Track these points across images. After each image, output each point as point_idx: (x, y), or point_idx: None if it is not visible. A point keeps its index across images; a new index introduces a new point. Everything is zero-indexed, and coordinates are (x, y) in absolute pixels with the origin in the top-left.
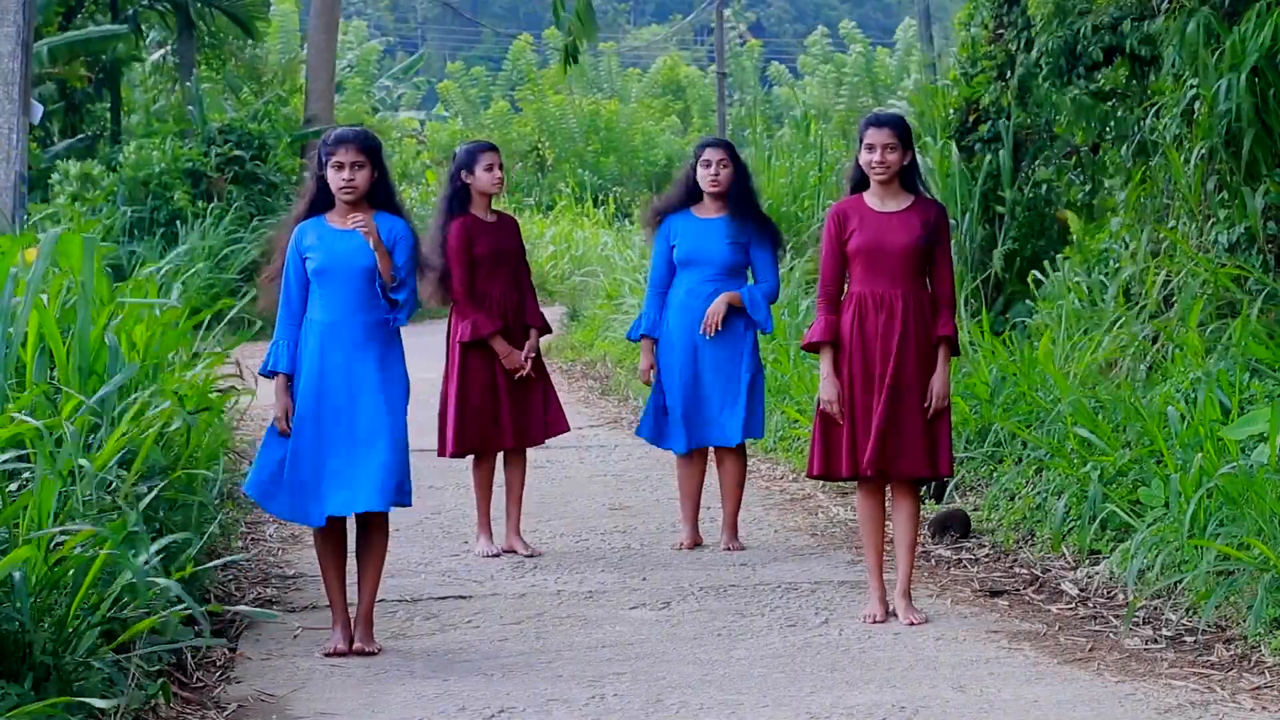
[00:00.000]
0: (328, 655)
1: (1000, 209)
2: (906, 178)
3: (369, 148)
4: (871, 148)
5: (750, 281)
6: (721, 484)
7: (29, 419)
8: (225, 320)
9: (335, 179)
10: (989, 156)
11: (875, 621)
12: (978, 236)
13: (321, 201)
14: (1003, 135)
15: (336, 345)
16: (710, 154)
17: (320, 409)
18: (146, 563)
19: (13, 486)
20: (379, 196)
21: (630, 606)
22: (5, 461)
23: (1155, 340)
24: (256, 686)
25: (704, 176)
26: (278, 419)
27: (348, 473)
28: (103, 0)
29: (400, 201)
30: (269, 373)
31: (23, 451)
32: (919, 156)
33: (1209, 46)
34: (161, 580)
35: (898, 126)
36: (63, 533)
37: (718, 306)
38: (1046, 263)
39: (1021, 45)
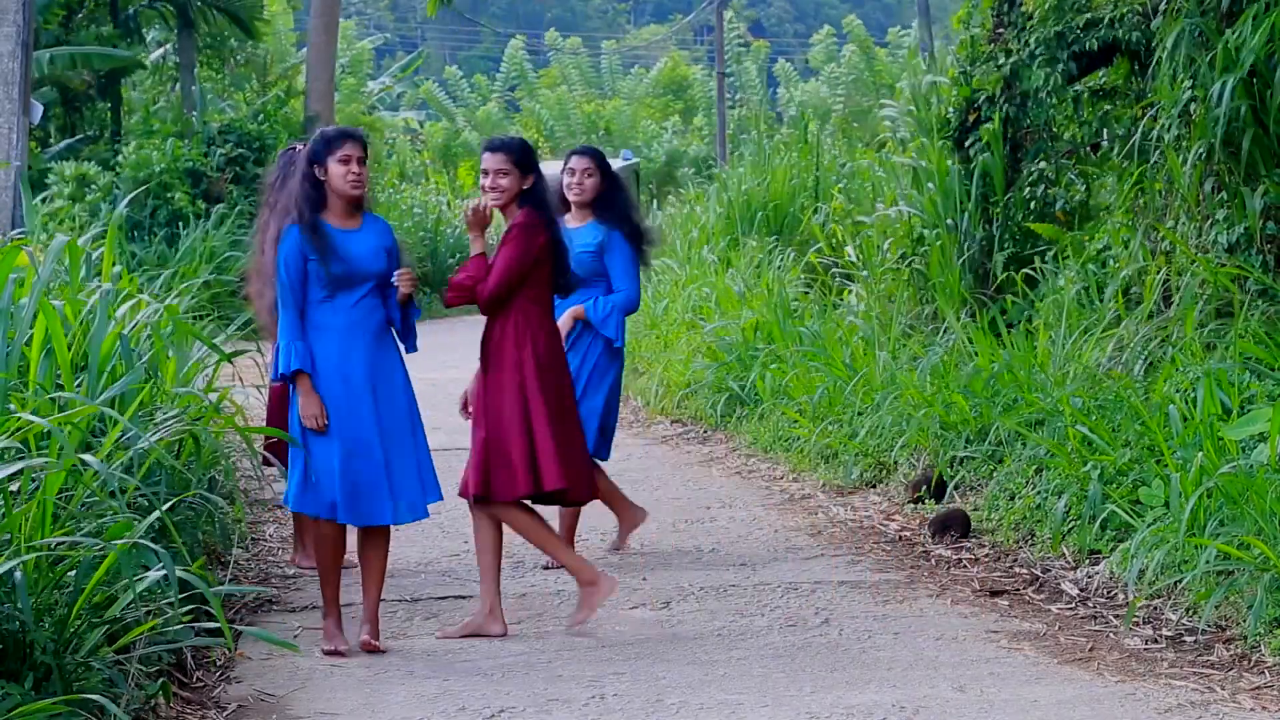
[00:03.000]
0: (328, 655)
1: (998, 210)
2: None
3: (367, 144)
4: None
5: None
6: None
7: (34, 418)
8: (232, 324)
9: (343, 173)
10: (987, 156)
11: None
12: (976, 237)
13: (318, 201)
14: (1001, 134)
15: (358, 346)
16: (575, 163)
17: (350, 409)
18: (161, 565)
19: (14, 487)
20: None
21: (630, 606)
22: (6, 463)
23: (1155, 340)
24: (256, 686)
25: (568, 185)
26: (308, 417)
27: (399, 476)
28: (103, 1)
29: None
30: (287, 375)
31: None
32: (914, 157)
33: (1203, 49)
34: (158, 573)
35: (513, 150)
36: (69, 544)
37: (562, 322)
38: (1046, 263)
39: (1020, 43)
